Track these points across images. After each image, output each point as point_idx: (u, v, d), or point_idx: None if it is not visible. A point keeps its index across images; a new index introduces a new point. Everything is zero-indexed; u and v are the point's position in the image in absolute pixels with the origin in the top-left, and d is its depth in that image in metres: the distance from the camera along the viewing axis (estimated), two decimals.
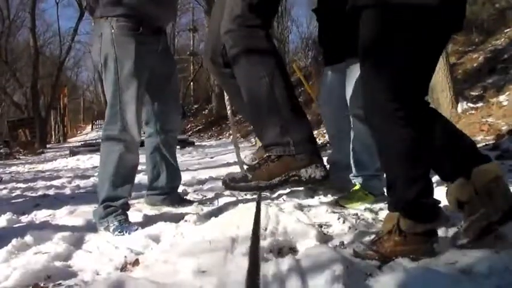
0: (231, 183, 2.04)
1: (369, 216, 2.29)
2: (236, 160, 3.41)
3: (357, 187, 2.73)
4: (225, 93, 2.89)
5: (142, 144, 2.79)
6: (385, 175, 1.80)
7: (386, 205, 1.83)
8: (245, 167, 2.25)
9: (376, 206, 2.48)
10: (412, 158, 1.65)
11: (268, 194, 2.93)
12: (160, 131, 2.90)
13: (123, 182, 2.59)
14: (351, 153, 2.77)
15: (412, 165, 1.65)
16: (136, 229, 2.42)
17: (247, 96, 2.03)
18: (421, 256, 1.62)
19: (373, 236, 1.80)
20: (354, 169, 2.78)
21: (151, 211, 2.91)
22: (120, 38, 2.52)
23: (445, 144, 1.73)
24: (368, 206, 2.49)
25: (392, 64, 1.61)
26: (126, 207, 2.63)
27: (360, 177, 2.73)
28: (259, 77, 1.95)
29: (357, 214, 2.31)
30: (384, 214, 2.28)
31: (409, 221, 1.65)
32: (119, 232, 2.40)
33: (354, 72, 2.59)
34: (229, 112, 3.36)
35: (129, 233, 2.38)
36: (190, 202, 3.03)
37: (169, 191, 2.99)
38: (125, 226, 2.46)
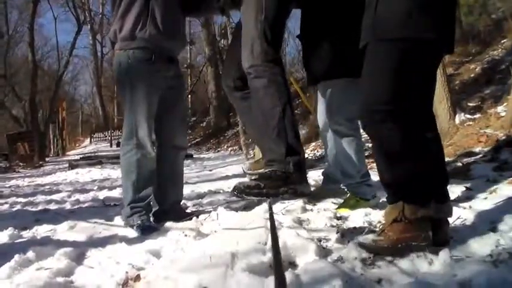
0: (246, 189, 2.38)
1: (367, 229, 2.30)
2: (235, 173, 3.46)
3: (349, 195, 2.93)
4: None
5: None
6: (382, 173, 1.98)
7: (384, 217, 1.93)
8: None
9: (375, 220, 2.50)
10: (414, 153, 1.89)
11: (266, 207, 2.95)
12: (168, 149, 3.11)
13: (145, 184, 2.92)
14: (338, 165, 2.99)
15: (408, 157, 1.89)
16: (156, 229, 2.78)
17: (261, 119, 2.42)
18: (421, 242, 1.82)
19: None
20: (342, 179, 2.99)
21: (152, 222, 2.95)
22: (135, 68, 2.87)
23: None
24: (367, 219, 2.52)
25: (400, 80, 1.86)
26: (149, 207, 2.97)
27: (349, 186, 2.94)
28: (274, 105, 2.36)
29: (355, 227, 2.33)
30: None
31: (412, 206, 1.86)
32: (141, 232, 2.74)
33: (330, 91, 2.87)
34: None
35: (149, 233, 2.71)
36: (192, 215, 3.10)
37: (171, 207, 3.11)
38: (146, 226, 2.81)
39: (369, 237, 1.90)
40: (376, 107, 1.87)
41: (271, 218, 1.87)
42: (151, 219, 3.00)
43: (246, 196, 2.48)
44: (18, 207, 4.66)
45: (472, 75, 8.99)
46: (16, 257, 2.22)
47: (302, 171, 2.41)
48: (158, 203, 3.09)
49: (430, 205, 1.88)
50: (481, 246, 1.86)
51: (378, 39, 1.89)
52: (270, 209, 2.18)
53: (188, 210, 3.30)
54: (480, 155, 4.27)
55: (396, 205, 1.90)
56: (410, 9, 1.82)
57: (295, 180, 2.36)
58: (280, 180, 2.36)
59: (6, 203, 5.04)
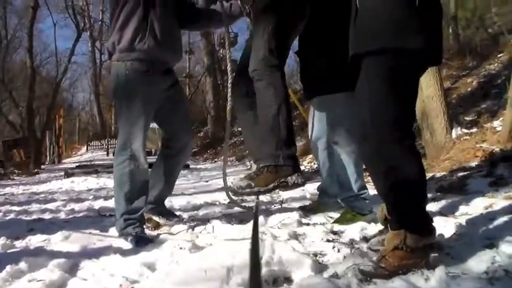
0: (239, 190, 2.48)
1: (363, 245, 2.30)
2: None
3: (346, 210, 2.98)
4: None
5: (151, 166, 3.14)
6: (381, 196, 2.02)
7: (385, 242, 1.93)
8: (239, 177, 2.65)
9: (371, 234, 2.50)
10: (420, 181, 1.91)
11: (262, 221, 2.96)
12: (170, 152, 3.21)
13: (138, 195, 2.91)
14: (336, 178, 3.06)
15: (420, 187, 1.91)
16: (151, 241, 2.77)
17: (260, 116, 2.60)
18: (422, 268, 1.83)
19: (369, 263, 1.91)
20: (340, 192, 3.05)
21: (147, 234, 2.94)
22: (132, 79, 2.88)
23: None
24: (364, 234, 2.51)
25: (398, 97, 1.89)
26: (143, 219, 2.97)
27: (346, 198, 2.98)
28: (271, 104, 2.53)
29: (351, 243, 2.33)
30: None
31: (415, 236, 1.86)
32: (135, 244, 2.72)
33: (329, 105, 2.99)
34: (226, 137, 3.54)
35: (143, 245, 2.69)
36: (177, 216, 3.33)
37: (157, 203, 3.23)
38: (141, 237, 2.79)
39: (369, 264, 1.89)
40: (386, 130, 1.88)
41: (255, 216, 1.89)
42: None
43: (239, 196, 2.55)
44: (12, 215, 4.60)
45: (469, 89, 9.03)
46: (8, 267, 2.19)
47: (294, 162, 2.50)
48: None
49: (432, 234, 1.91)
50: (477, 263, 1.86)
51: (367, 53, 1.91)
52: (256, 207, 2.25)
53: (184, 222, 3.27)
54: (476, 170, 4.27)
55: (398, 232, 1.89)
56: (391, 19, 1.86)
57: (287, 172, 2.44)
58: (271, 175, 2.44)
59: None
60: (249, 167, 10.29)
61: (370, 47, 1.90)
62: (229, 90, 2.99)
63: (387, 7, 1.88)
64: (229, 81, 3.09)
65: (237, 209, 3.65)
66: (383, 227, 2.30)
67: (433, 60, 2.02)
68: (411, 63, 1.90)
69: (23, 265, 2.26)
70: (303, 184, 2.53)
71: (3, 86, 25.08)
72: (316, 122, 3.13)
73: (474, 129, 6.01)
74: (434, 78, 5.80)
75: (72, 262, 2.37)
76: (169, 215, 3.30)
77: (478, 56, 10.58)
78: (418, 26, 1.86)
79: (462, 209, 2.94)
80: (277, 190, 2.54)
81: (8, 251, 2.80)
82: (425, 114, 5.86)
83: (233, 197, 3.12)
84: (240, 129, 19.06)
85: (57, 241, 2.99)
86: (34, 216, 4.40)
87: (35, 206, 5.31)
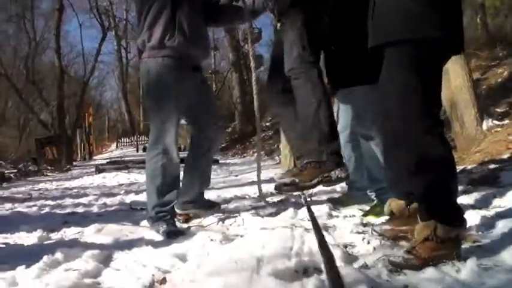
0: (284, 187, 2.57)
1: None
2: (262, 178, 3.47)
3: (376, 202, 2.97)
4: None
5: (182, 161, 3.15)
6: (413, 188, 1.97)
7: (415, 233, 1.92)
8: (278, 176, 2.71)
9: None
10: (451, 169, 1.90)
11: (292, 214, 2.98)
12: (199, 150, 3.27)
13: (169, 189, 2.97)
14: (365, 170, 3.09)
15: (451, 176, 1.89)
16: (182, 233, 2.82)
17: (300, 114, 2.64)
18: (453, 260, 1.81)
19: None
20: (369, 185, 3.09)
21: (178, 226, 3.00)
22: (163, 75, 2.95)
23: None
24: None
25: (422, 86, 1.85)
26: (174, 212, 3.06)
27: (377, 191, 3.01)
28: (310, 102, 2.56)
29: (381, 234, 2.31)
30: None
31: (447, 227, 1.84)
32: (167, 236, 2.77)
33: (352, 98, 3.01)
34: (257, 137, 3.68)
35: (175, 237, 2.73)
36: (217, 204, 3.51)
37: (196, 200, 3.30)
38: (172, 230, 2.84)
39: (399, 255, 1.88)
40: (414, 120, 1.86)
41: (310, 211, 1.88)
42: (178, 212, 3.16)
43: (283, 192, 2.65)
44: (46, 209, 4.74)
45: (500, 79, 8.82)
46: (45, 258, 2.26)
47: (338, 157, 2.54)
48: (186, 194, 3.24)
49: (463, 225, 1.88)
50: (510, 255, 1.83)
51: (387, 44, 1.90)
52: (306, 201, 2.25)
53: (214, 215, 3.31)
54: (509, 163, 4.18)
55: (428, 223, 1.87)
56: (409, 9, 1.84)
57: (330, 167, 2.48)
58: (315, 171, 2.49)
59: (35, 205, 5.14)
60: (278, 161, 10.30)
61: (389, 38, 1.89)
62: (254, 87, 3.01)
63: None
64: (254, 77, 3.11)
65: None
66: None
67: (455, 48, 1.99)
68: (432, 53, 1.87)
69: (59, 255, 2.32)
70: (346, 178, 2.58)
71: (33, 87, 25.52)
72: (341, 115, 3.15)
73: (506, 121, 5.88)
74: (463, 69, 5.70)
75: (106, 253, 2.42)
76: (210, 204, 3.44)
77: (508, 46, 10.30)
78: (437, 15, 1.84)
79: (495, 201, 2.89)
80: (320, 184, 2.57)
81: (45, 243, 2.90)
82: (454, 106, 5.76)
83: (263, 192, 3.15)
84: (268, 124, 19.14)
85: (90, 233, 3.07)
86: (68, 210, 4.52)
87: (68, 201, 5.45)
